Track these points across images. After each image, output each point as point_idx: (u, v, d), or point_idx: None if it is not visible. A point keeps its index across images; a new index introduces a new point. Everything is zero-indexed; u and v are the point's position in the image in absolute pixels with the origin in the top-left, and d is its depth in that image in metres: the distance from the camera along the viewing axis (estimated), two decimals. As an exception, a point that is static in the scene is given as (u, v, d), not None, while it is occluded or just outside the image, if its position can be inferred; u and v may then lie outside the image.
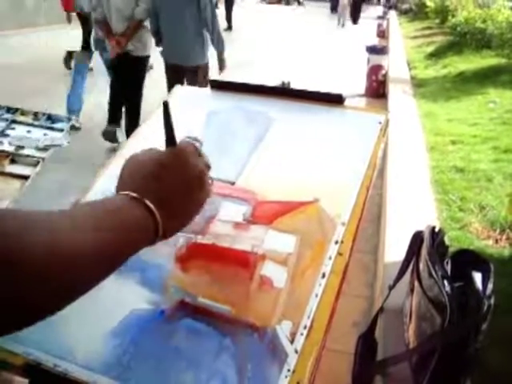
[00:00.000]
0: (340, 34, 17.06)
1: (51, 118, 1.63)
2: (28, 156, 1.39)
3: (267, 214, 1.00)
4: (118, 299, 0.92)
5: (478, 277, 1.30)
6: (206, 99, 1.31)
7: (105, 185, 1.13)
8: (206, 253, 0.96)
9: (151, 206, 0.65)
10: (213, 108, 1.26)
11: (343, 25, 19.64)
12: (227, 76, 4.98)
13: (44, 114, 1.64)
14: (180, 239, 0.98)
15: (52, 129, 1.57)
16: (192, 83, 4.16)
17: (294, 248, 0.94)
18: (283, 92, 1.32)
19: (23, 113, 1.65)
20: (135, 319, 0.88)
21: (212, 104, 1.28)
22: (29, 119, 1.63)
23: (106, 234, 0.60)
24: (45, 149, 1.43)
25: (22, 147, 1.44)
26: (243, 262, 0.93)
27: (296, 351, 0.80)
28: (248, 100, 1.27)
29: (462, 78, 7.34)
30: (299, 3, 32.17)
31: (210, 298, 0.89)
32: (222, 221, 1.01)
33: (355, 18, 20.84)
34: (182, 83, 4.00)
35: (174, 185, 0.69)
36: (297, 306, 0.86)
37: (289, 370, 0.78)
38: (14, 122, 1.61)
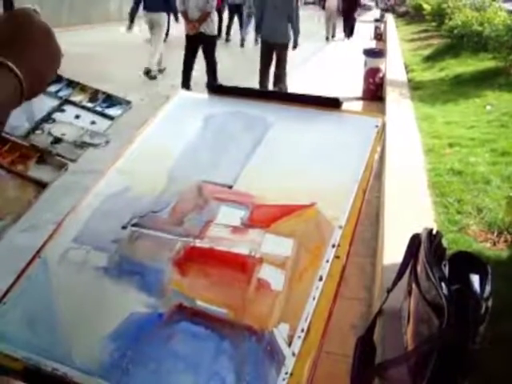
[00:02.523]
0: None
1: (110, 101, 1.53)
2: (59, 155, 1.28)
3: (265, 217, 1.00)
4: (117, 303, 0.92)
5: (475, 279, 1.30)
6: (204, 103, 1.32)
7: (112, 177, 1.16)
8: (204, 256, 0.97)
9: (13, 67, 0.66)
10: (211, 112, 1.27)
11: (333, 36, 15.72)
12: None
13: (104, 93, 1.53)
14: (178, 243, 0.99)
15: (103, 115, 1.46)
16: (282, 54, 6.80)
17: (292, 251, 0.94)
18: (280, 96, 1.33)
19: (83, 88, 1.54)
20: (134, 323, 0.89)
21: (210, 108, 1.29)
22: (85, 98, 1.53)
23: None
24: (81, 146, 1.33)
25: (60, 140, 1.34)
26: (241, 266, 0.93)
27: (293, 354, 0.81)
28: (245, 104, 1.28)
29: (459, 81, 7.36)
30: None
31: (208, 301, 0.90)
32: (219, 225, 1.01)
33: (348, 28, 16.19)
34: (272, 55, 6.81)
35: (29, 41, 0.71)
36: (294, 308, 0.86)
37: (286, 373, 0.79)
38: (66, 101, 1.51)
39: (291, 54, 7.02)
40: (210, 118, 1.25)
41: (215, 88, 1.34)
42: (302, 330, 0.83)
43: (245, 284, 0.91)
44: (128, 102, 1.57)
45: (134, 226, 1.04)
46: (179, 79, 7.25)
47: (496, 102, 5.83)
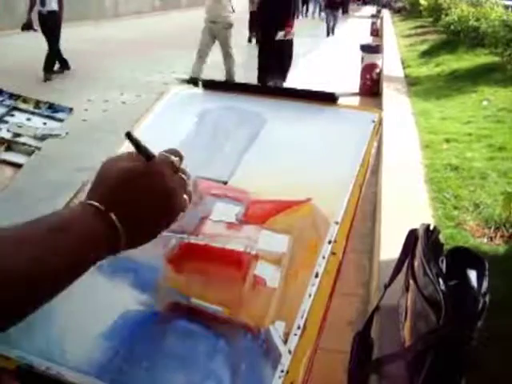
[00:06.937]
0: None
1: (53, 108, 1.59)
2: (24, 144, 1.35)
3: (260, 213, 0.99)
4: (111, 301, 0.91)
5: (472, 274, 1.30)
6: (198, 99, 1.31)
7: None
8: (199, 253, 0.96)
9: (114, 218, 0.64)
10: (205, 108, 1.26)
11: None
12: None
13: (46, 103, 1.59)
14: (173, 240, 0.98)
15: (52, 118, 1.53)
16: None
17: (288, 248, 0.93)
18: (276, 91, 1.32)
19: (25, 100, 1.59)
20: (128, 321, 0.88)
21: (205, 104, 1.27)
22: (30, 107, 1.59)
23: (54, 256, 0.58)
24: (42, 138, 1.40)
25: (20, 135, 1.41)
26: (236, 263, 0.93)
27: (290, 351, 0.80)
28: (241, 100, 1.27)
29: (456, 77, 7.36)
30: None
31: (204, 298, 0.89)
32: (214, 221, 1.00)
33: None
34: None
35: (142, 199, 0.68)
36: (290, 305, 0.85)
37: (282, 371, 0.78)
38: (14, 108, 1.57)
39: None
40: (204, 114, 1.24)
41: (209, 83, 1.33)
42: (299, 328, 0.82)
43: (240, 281, 0.90)
44: (70, 109, 1.62)
45: (128, 222, 1.02)
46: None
47: (492, 97, 5.83)
